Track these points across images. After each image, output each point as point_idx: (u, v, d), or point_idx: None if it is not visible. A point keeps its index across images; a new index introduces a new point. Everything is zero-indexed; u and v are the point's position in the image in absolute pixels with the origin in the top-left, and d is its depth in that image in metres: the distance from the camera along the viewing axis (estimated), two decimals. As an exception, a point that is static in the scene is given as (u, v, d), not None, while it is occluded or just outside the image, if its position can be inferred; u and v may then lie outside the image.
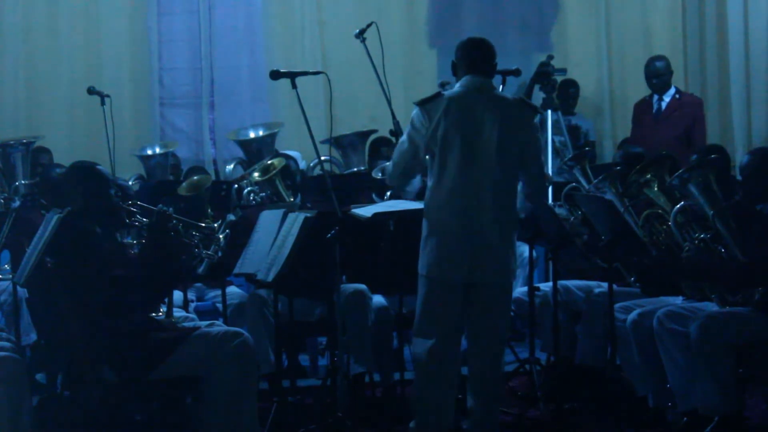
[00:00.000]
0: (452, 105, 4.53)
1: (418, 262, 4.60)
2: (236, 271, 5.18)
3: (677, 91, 7.83)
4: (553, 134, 7.26)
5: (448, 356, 4.58)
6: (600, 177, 5.18)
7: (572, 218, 5.35)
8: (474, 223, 4.49)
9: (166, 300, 4.89)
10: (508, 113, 4.54)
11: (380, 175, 6.15)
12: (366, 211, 5.02)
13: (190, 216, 4.92)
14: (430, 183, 4.59)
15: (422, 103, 4.59)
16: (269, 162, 6.10)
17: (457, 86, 4.63)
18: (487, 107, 4.53)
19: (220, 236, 5.07)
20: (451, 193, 4.51)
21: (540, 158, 4.66)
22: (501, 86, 5.45)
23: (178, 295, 5.37)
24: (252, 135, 7.52)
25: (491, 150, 4.49)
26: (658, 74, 7.74)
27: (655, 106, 7.80)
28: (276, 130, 7.53)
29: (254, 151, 7.37)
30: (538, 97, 7.60)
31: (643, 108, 7.89)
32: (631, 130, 7.98)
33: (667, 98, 7.78)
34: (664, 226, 4.79)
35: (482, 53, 4.65)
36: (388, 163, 4.82)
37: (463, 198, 4.49)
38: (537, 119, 4.68)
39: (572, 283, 5.59)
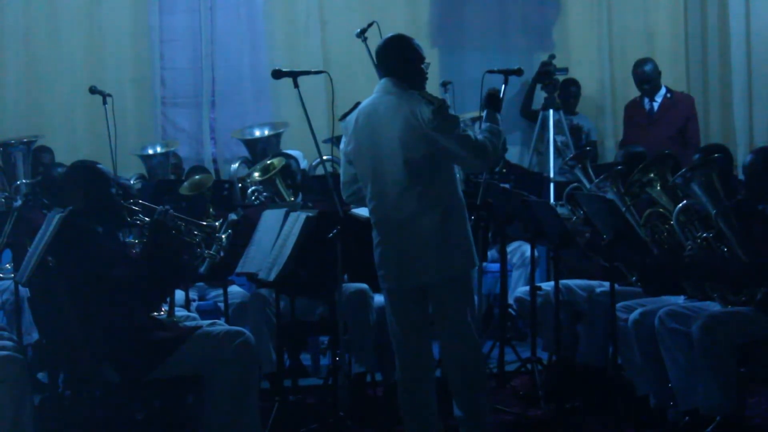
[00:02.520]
0: (360, 116, 4.49)
1: None
2: (238, 270, 5.19)
3: (668, 90, 7.82)
4: (555, 134, 7.27)
5: (418, 366, 4.54)
6: (601, 176, 5.17)
7: (574, 218, 5.35)
8: (399, 229, 4.43)
9: (168, 299, 4.89)
10: (407, 111, 4.37)
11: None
12: (366, 211, 5.02)
13: (192, 215, 4.93)
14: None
15: (341, 119, 4.57)
16: (269, 161, 6.11)
17: (373, 93, 4.56)
18: (388, 111, 4.42)
19: (222, 236, 5.07)
20: (372, 205, 4.50)
21: (454, 136, 4.33)
22: (503, 85, 5.44)
23: (179, 295, 5.38)
24: (258, 134, 7.53)
25: (396, 155, 4.38)
26: (647, 79, 7.72)
27: (647, 107, 7.79)
28: (282, 130, 7.54)
29: (259, 151, 7.38)
30: (540, 96, 7.62)
31: (634, 109, 7.88)
32: (623, 132, 7.97)
33: (658, 99, 7.77)
34: (666, 225, 4.79)
35: (391, 53, 4.52)
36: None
37: (383, 206, 4.45)
38: (432, 108, 4.32)
39: (574, 283, 5.58)
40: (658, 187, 4.91)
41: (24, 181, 6.71)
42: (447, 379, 4.59)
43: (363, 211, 5.00)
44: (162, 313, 4.86)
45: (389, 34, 4.61)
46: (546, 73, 7.40)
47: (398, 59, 4.50)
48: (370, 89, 6.71)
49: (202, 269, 5.42)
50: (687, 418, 4.65)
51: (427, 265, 4.41)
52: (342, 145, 4.60)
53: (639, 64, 7.81)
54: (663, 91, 7.78)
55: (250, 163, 7.42)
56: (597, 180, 5.21)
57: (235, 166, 7.60)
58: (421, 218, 4.39)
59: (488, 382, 4.72)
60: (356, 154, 4.51)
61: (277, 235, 4.94)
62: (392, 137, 4.39)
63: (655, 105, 7.76)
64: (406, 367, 4.55)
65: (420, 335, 4.55)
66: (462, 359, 4.50)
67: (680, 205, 4.65)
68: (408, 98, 4.42)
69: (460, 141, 4.35)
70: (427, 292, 4.50)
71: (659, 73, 7.77)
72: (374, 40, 5.58)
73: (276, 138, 7.50)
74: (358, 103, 4.57)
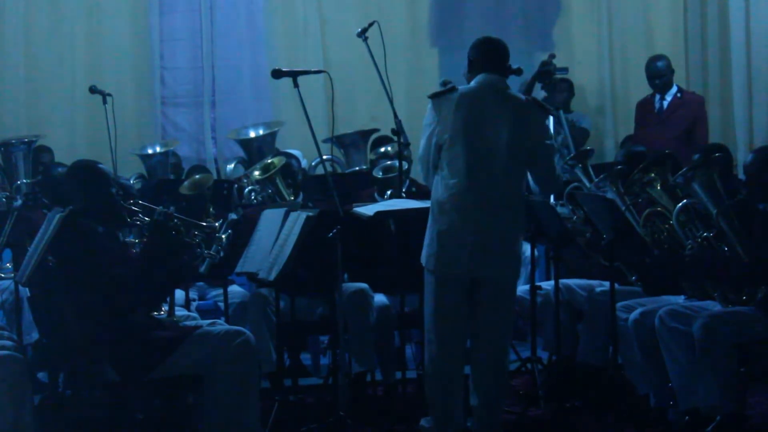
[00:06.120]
0: (464, 100, 4.52)
1: (421, 256, 4.58)
2: (238, 270, 5.19)
3: (679, 89, 7.82)
4: (554, 133, 7.26)
5: (455, 356, 4.57)
6: (601, 176, 5.18)
7: (574, 217, 5.35)
8: (480, 218, 4.47)
9: (168, 299, 4.89)
10: (520, 113, 4.54)
11: (381, 174, 6.16)
12: (368, 209, 5.02)
13: (192, 215, 4.92)
14: (438, 176, 4.56)
15: (434, 97, 4.59)
16: (269, 161, 6.11)
17: (472, 83, 4.63)
18: (500, 105, 4.54)
19: (222, 235, 5.07)
20: (459, 188, 4.49)
21: (550, 159, 4.63)
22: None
23: (179, 294, 5.38)
24: (252, 134, 7.52)
25: (501, 148, 4.49)
26: (659, 74, 7.73)
27: (657, 105, 7.79)
28: (276, 129, 7.53)
29: (255, 150, 7.38)
30: (539, 95, 7.61)
31: (645, 107, 7.88)
32: (634, 130, 7.97)
33: (668, 97, 7.77)
34: (666, 225, 4.79)
35: (497, 52, 4.66)
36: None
37: (470, 193, 4.48)
38: (548, 120, 4.68)
39: (574, 282, 5.58)
40: (658, 187, 4.91)
41: (24, 180, 6.71)
42: (474, 369, 4.61)
43: (364, 210, 5.00)
44: (162, 312, 4.86)
45: (490, 36, 4.76)
46: (546, 73, 7.38)
47: (506, 61, 4.67)
48: (371, 88, 6.73)
49: (202, 269, 5.42)
50: (687, 417, 4.65)
51: (496, 259, 4.50)
52: (428, 123, 4.58)
53: (652, 60, 7.83)
54: (674, 89, 7.78)
55: (246, 163, 7.42)
56: (597, 179, 5.22)
57: (230, 166, 7.60)
58: (503, 215, 4.50)
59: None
60: (452, 137, 4.51)
61: (277, 234, 4.94)
62: (501, 133, 4.49)
63: (665, 104, 7.77)
64: (443, 356, 4.55)
65: (461, 326, 4.57)
66: (499, 356, 4.59)
67: (680, 204, 4.65)
68: (523, 100, 4.62)
69: (551, 160, 4.62)
70: (480, 286, 4.52)
71: (672, 71, 7.77)
72: (374, 40, 5.59)
73: (271, 137, 7.49)
74: (453, 87, 4.61)
